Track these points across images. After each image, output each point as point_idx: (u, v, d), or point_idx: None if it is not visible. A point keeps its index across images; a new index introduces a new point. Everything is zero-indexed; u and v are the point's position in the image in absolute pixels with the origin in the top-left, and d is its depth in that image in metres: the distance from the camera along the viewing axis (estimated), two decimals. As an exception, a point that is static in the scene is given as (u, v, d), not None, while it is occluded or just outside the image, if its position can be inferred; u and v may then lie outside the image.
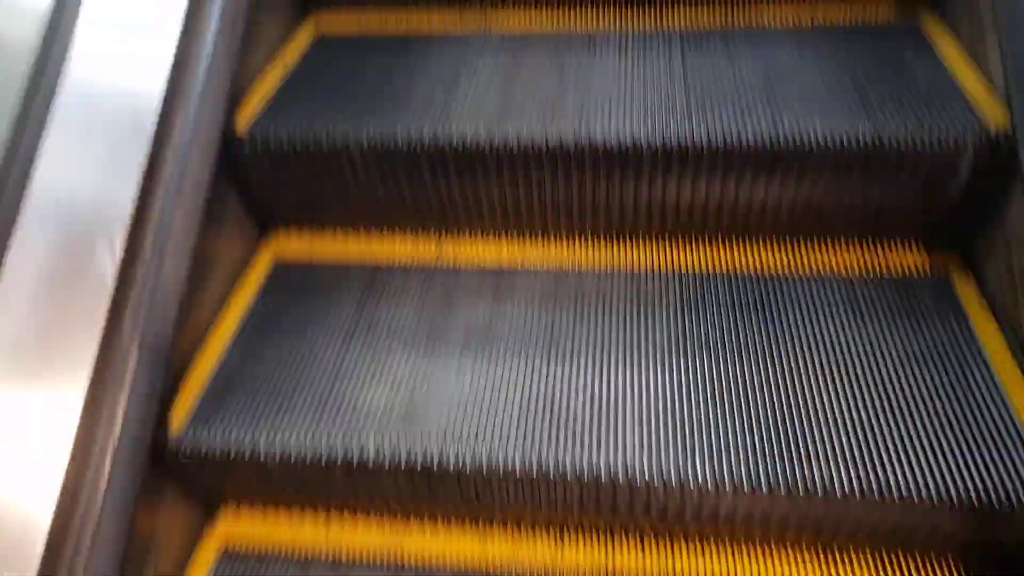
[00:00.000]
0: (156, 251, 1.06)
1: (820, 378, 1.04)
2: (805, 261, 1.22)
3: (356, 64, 1.38)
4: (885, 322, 1.11)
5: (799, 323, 1.12)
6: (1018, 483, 0.89)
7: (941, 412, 0.98)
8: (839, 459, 0.93)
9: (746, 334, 1.11)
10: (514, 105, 1.23)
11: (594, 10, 1.47)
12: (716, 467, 0.94)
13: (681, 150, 1.13)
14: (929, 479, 0.90)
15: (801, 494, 0.92)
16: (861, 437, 0.96)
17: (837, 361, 1.06)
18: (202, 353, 1.18)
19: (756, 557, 1.07)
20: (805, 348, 1.08)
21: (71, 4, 1.07)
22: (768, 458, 0.95)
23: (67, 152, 1.01)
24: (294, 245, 1.38)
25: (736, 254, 1.25)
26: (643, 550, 1.09)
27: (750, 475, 0.93)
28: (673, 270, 1.24)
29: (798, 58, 1.27)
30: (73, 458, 0.90)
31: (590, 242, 1.31)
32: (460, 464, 0.99)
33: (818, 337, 1.09)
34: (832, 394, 1.02)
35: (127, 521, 0.97)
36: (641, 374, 1.08)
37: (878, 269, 1.20)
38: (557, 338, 1.16)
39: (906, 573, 1.02)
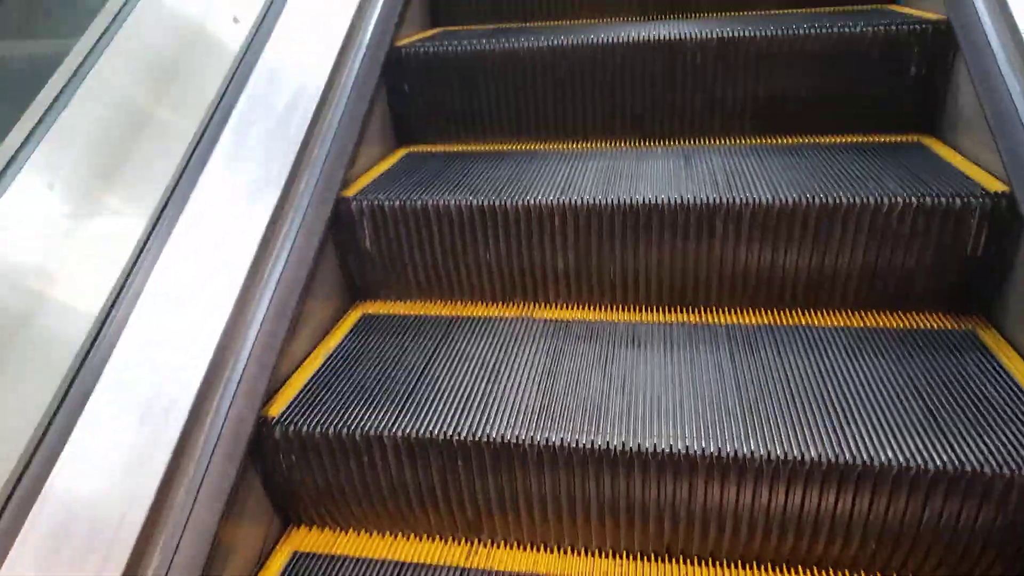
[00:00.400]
0: (172, 542, 0.99)
1: None
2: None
3: (398, 350, 1.38)
4: None
5: None
6: None
7: None
8: None
9: None
10: (556, 404, 1.18)
11: (637, 306, 1.49)
12: None
13: (738, 462, 1.05)
14: None
15: None
16: None
17: None
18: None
19: None
20: None
21: (125, 304, 1.11)
22: None
23: (92, 444, 0.98)
24: (315, 537, 1.28)
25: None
26: None
27: None
28: (734, 596, 1.09)
29: (854, 362, 1.23)
30: None
31: (639, 558, 1.18)
32: None
33: None
34: None
35: None
36: None
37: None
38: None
39: None
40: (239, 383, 1.16)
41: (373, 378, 1.30)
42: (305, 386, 1.29)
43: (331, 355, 1.38)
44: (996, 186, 1.29)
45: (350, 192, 1.54)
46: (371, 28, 1.76)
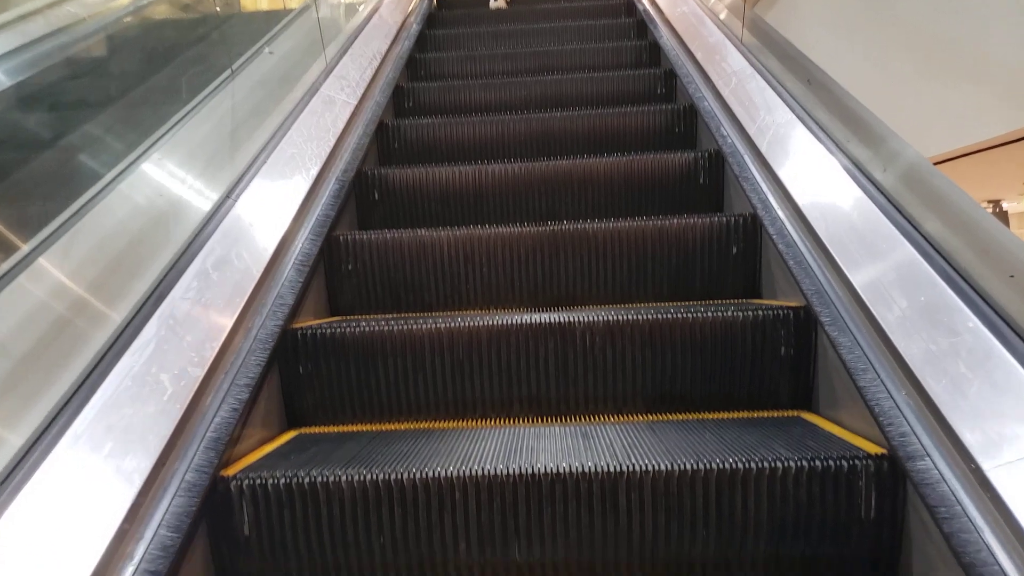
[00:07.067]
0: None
1: None
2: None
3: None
4: None
5: None
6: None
7: None
8: None
9: None
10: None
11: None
12: None
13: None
14: None
15: None
16: None
17: None
18: None
19: None
20: None
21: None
22: None
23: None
24: None
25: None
26: None
27: None
28: None
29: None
30: None
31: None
32: None
33: None
34: None
35: None
36: None
37: None
38: None
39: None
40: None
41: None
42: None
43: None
44: (876, 450, 1.41)
45: (231, 471, 1.39)
46: (265, 311, 1.78)
